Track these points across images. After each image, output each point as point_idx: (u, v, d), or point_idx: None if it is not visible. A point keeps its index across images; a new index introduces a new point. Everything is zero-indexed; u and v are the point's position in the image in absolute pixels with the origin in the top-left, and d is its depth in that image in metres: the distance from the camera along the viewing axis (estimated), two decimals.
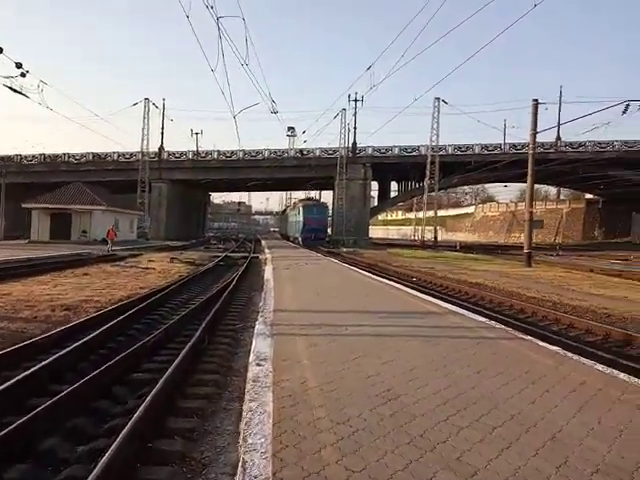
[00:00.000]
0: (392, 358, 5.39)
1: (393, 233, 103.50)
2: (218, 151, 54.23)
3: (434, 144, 51.37)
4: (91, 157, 54.17)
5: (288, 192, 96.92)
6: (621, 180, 49.00)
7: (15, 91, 17.94)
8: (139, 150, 52.17)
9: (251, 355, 5.64)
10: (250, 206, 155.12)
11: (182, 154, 54.49)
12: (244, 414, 3.90)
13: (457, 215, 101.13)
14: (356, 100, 50.27)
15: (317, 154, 53.24)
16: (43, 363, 5.91)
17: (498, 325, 7.40)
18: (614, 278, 19.24)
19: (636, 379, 4.74)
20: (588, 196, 74.48)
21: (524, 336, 6.64)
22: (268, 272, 16.18)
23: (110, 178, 51.67)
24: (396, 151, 53.41)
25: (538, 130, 26.21)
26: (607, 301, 12.47)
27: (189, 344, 6.97)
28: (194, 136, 56.30)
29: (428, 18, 15.50)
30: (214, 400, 5.32)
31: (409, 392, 4.28)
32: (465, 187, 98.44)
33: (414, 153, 53.08)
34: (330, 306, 9.18)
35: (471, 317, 8.14)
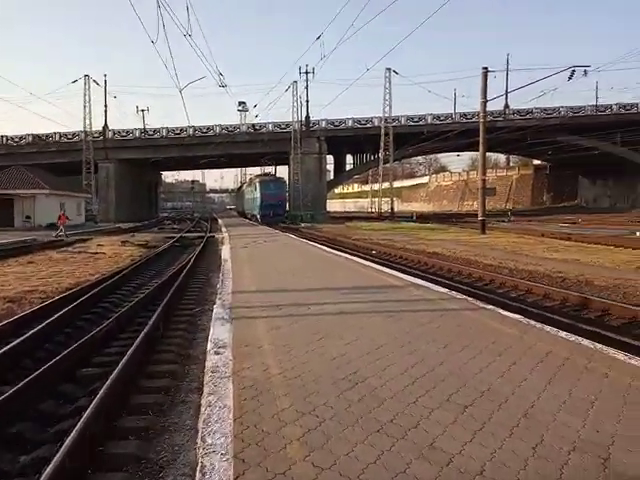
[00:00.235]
0: (356, 337, 5.22)
1: (350, 206, 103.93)
2: (167, 128, 52.25)
3: (387, 115, 51.33)
4: (31, 139, 51.05)
5: (243, 169, 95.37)
6: (567, 145, 50.53)
7: None
8: (82, 130, 49.67)
9: (209, 343, 5.34)
10: (204, 184, 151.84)
11: (128, 132, 52.17)
12: (202, 409, 3.62)
13: (412, 186, 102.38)
14: (307, 72, 49.39)
15: (270, 129, 52.17)
16: None
17: (460, 295, 7.37)
18: (565, 241, 19.84)
19: (600, 345, 4.74)
20: (536, 162, 76.73)
21: (486, 305, 6.62)
22: (225, 252, 15.76)
23: (53, 160, 49.00)
24: (349, 123, 53.01)
25: (488, 98, 26.49)
26: (560, 264, 12.77)
27: (143, 333, 6.59)
28: (140, 113, 54.09)
29: None
30: (171, 393, 5.01)
31: (376, 373, 4.11)
32: (419, 157, 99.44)
33: (368, 125, 52.88)
34: (291, 284, 8.94)
35: (433, 289, 8.09)
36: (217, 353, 4.91)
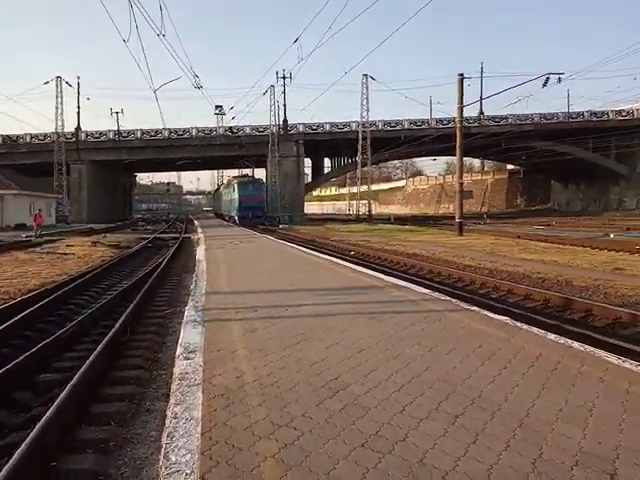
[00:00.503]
0: (337, 340, 4.92)
1: (328, 208, 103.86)
2: (141, 130, 51.17)
3: (364, 120, 51.39)
4: (1, 140, 49.56)
5: (220, 171, 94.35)
6: (540, 151, 51.38)
7: None
8: (54, 131, 48.43)
9: (178, 347, 4.97)
10: (180, 186, 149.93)
11: (102, 134, 50.94)
12: (167, 422, 3.27)
13: (389, 189, 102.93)
14: (284, 77, 49.10)
15: (247, 132, 51.68)
16: None
17: (443, 296, 7.13)
18: (541, 243, 19.92)
19: (591, 348, 4.54)
20: (510, 167, 77.83)
21: (470, 307, 6.39)
22: (200, 253, 15.31)
23: (23, 161, 47.78)
24: (327, 127, 52.90)
25: (464, 104, 26.54)
26: (539, 265, 12.71)
27: (108, 336, 6.18)
28: (114, 115, 52.93)
29: None
30: (135, 401, 4.64)
31: (359, 379, 3.81)
32: (395, 161, 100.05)
33: (345, 129, 52.85)
34: (268, 285, 8.59)
35: (414, 289, 7.85)
36: (187, 358, 4.55)
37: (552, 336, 4.98)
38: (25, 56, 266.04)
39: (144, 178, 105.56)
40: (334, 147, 54.31)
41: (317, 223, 45.18)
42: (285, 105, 51.72)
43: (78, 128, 50.38)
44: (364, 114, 51.44)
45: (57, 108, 48.32)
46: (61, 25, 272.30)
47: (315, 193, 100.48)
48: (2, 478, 3.02)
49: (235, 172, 57.41)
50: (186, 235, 27.07)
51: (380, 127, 52.97)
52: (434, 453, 2.64)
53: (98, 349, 5.62)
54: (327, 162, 62.94)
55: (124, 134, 51.30)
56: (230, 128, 51.18)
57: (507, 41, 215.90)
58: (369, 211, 53.94)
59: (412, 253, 16.31)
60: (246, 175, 47.21)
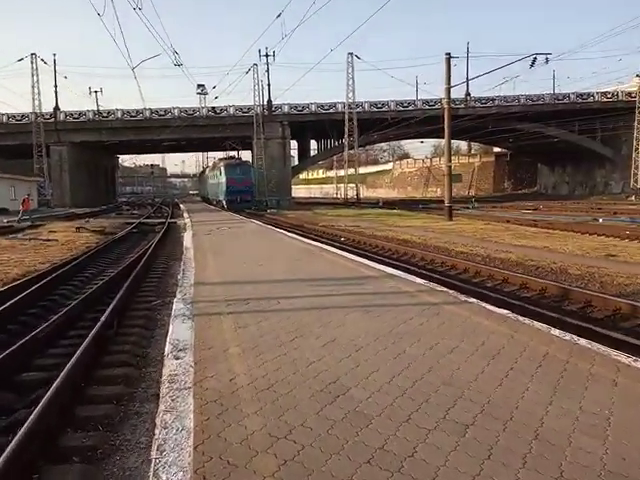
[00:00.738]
0: (333, 337, 4.72)
1: (315, 192, 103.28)
2: (122, 110, 49.83)
3: (350, 101, 50.77)
4: None
5: (204, 153, 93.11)
6: (527, 133, 51.33)
7: None
8: (32, 112, 47.07)
9: (167, 345, 4.73)
10: (165, 169, 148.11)
11: (81, 114, 49.45)
12: (157, 433, 3.05)
13: (376, 172, 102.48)
14: (267, 55, 48.04)
15: (231, 112, 50.63)
16: None
17: (439, 287, 6.96)
18: (531, 228, 19.88)
19: (598, 345, 4.39)
20: (496, 150, 77.89)
21: (468, 298, 6.22)
22: (187, 239, 14.98)
23: (2, 142, 46.32)
24: (313, 108, 52.04)
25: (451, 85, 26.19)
26: (531, 252, 12.62)
27: (94, 330, 5.92)
28: (93, 95, 51.61)
29: None
30: (124, 402, 4.41)
31: (359, 382, 3.62)
32: (382, 144, 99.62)
33: (331, 110, 52.13)
34: (258, 275, 8.35)
35: (409, 279, 7.66)
36: (176, 357, 4.32)
37: (557, 332, 4.82)
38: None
39: (127, 160, 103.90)
40: (320, 129, 53.60)
41: (305, 207, 44.82)
42: (269, 85, 50.71)
43: (56, 108, 49.05)
44: (350, 94, 50.86)
45: (33, 87, 47.05)
46: (39, 3, 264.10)
47: (302, 176, 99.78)
48: None
49: (220, 154, 56.42)
50: (172, 220, 26.61)
51: (366, 108, 52.41)
52: (447, 472, 2.46)
53: (84, 345, 5.37)
54: (314, 144, 62.52)
55: (104, 114, 49.99)
56: (213, 108, 50.11)
57: (494, 21, 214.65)
58: (357, 195, 53.65)
59: (403, 239, 16.15)
60: (233, 157, 45.47)
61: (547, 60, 25.53)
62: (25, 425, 3.60)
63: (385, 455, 2.63)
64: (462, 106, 49.27)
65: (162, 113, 50.20)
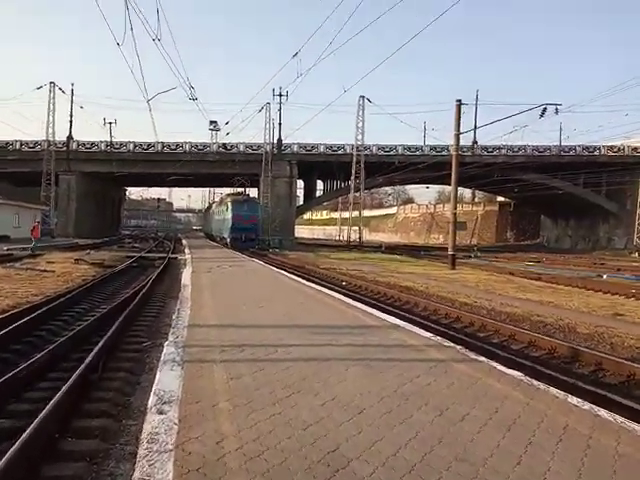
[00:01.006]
0: (333, 395, 4.34)
1: (318, 232, 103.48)
2: (134, 142, 50.42)
3: (359, 143, 51.38)
4: None
5: (211, 189, 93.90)
6: (532, 184, 51.57)
7: None
8: (45, 139, 47.64)
9: (152, 395, 4.35)
10: (171, 203, 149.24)
11: (93, 144, 50.10)
12: None
13: (380, 215, 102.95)
14: (280, 95, 49.08)
15: (241, 149, 51.23)
16: None
17: (446, 342, 6.58)
18: (535, 281, 19.53)
19: (621, 418, 4.00)
20: (500, 199, 78.28)
21: (478, 357, 5.84)
22: (186, 276, 14.66)
23: (13, 169, 46.48)
24: (322, 149, 52.66)
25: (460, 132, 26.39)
26: (537, 307, 12.26)
27: (77, 373, 5.54)
28: (107, 126, 52.35)
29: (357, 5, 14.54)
30: (97, 461, 3.99)
31: (361, 453, 3.23)
32: (387, 188, 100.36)
33: (340, 152, 52.72)
34: (256, 319, 7.99)
35: (414, 331, 7.29)
36: (160, 412, 3.93)
37: (574, 399, 4.44)
38: (19, 60, 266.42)
39: (134, 193, 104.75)
40: (328, 169, 53.93)
41: (307, 248, 44.63)
42: (280, 124, 51.46)
43: (70, 137, 49.65)
44: (359, 137, 51.50)
45: (49, 115, 47.74)
46: (58, 30, 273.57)
47: (306, 216, 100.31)
48: None
49: (228, 190, 56.72)
50: (173, 255, 26.35)
51: (374, 151, 53.00)
52: None
53: (63, 390, 4.98)
54: (320, 185, 62.88)
55: (116, 146, 50.52)
56: (224, 144, 50.69)
57: (504, 71, 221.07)
58: (360, 238, 53.53)
59: (405, 286, 15.79)
60: (241, 193, 44.51)
61: (557, 111, 25.65)
62: None
63: None
64: (469, 154, 49.75)
65: (173, 147, 50.68)
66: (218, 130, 51.78)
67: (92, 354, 6.26)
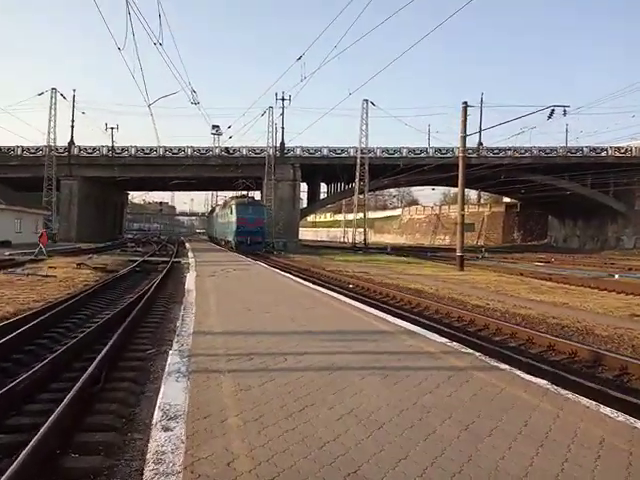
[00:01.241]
0: (349, 408, 4.06)
1: (322, 235, 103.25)
2: (135, 147, 50.27)
3: (363, 146, 51.13)
4: None
5: (214, 192, 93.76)
6: (539, 185, 51.19)
7: None
8: (46, 144, 47.62)
9: (157, 410, 4.08)
10: (174, 207, 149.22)
11: (95, 149, 50.04)
12: None
13: (385, 217, 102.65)
14: (283, 99, 48.96)
15: (244, 153, 51.09)
16: None
17: (463, 348, 6.29)
18: (546, 282, 19.18)
19: None
20: (506, 200, 77.86)
21: (499, 364, 5.55)
22: (190, 280, 14.41)
23: (14, 174, 46.54)
24: (325, 152, 52.43)
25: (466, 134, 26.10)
26: (551, 308, 11.95)
27: (78, 384, 5.29)
28: (109, 131, 52.26)
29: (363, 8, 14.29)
30: (101, 479, 3.74)
31: (385, 475, 2.96)
32: (392, 190, 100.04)
33: (343, 154, 52.50)
34: (263, 325, 7.73)
35: (428, 337, 7.00)
36: (166, 429, 3.67)
37: (607, 410, 4.15)
38: (20, 63, 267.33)
39: (137, 197, 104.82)
40: (331, 172, 53.76)
41: (312, 251, 44.36)
42: (283, 128, 51.29)
43: (71, 142, 49.62)
44: (363, 140, 51.27)
45: (50, 121, 47.71)
46: (59, 35, 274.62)
47: (310, 219, 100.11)
48: None
49: (231, 194, 56.42)
50: (176, 259, 26.13)
51: (379, 154, 52.73)
52: None
53: (64, 403, 4.73)
54: (323, 187, 62.65)
55: (118, 150, 50.38)
56: (227, 149, 50.54)
57: (510, 73, 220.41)
58: (365, 240, 53.22)
59: (415, 289, 15.50)
60: (245, 196, 43.61)
61: (565, 112, 25.41)
62: None
63: None
64: (475, 155, 49.39)
65: (175, 151, 50.55)
66: (220, 134, 51.80)
67: (94, 363, 6.01)
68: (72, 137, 49.85)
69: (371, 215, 79.21)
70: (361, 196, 52.91)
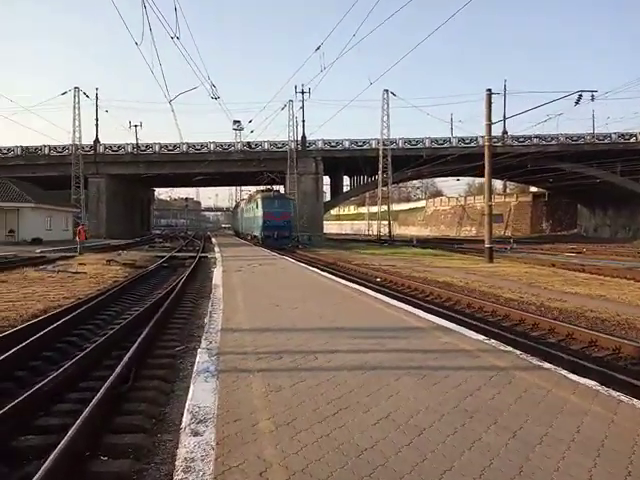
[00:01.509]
0: (386, 411, 3.85)
1: (347, 228, 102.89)
2: (159, 144, 50.88)
3: (385, 137, 50.51)
4: (20, 151, 49.50)
5: (237, 187, 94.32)
6: (567, 173, 49.84)
7: None
8: (72, 143, 48.48)
9: (185, 413, 3.95)
10: (199, 202, 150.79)
11: (120, 147, 50.79)
12: None
13: (409, 209, 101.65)
14: (303, 92, 48.55)
15: (266, 147, 51.12)
16: None
17: (502, 346, 6.00)
18: (580, 273, 18.60)
19: None
20: (533, 189, 76.10)
21: (542, 363, 5.26)
22: (217, 276, 14.37)
23: (42, 173, 47.61)
24: (347, 144, 52.06)
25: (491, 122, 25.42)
26: (587, 301, 11.51)
27: (106, 384, 5.21)
28: (132, 128, 52.89)
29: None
30: None
31: None
32: (415, 181, 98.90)
33: (365, 146, 52.00)
34: (292, 321, 7.57)
35: (463, 333, 6.73)
36: (195, 433, 3.52)
37: None
38: (56, 67, 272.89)
39: (162, 193, 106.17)
40: (353, 165, 53.31)
41: (337, 244, 44.13)
42: (304, 121, 51.04)
43: (96, 141, 50.45)
44: (384, 131, 50.64)
45: (74, 120, 48.52)
46: (78, 36, 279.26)
47: (333, 212, 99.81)
48: None
49: (253, 189, 56.52)
50: (203, 254, 26.25)
51: (400, 145, 52.06)
52: None
53: (93, 403, 4.65)
54: (346, 180, 62.27)
55: (142, 148, 51.02)
56: (248, 143, 50.66)
57: (535, 60, 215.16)
58: (389, 232, 52.70)
59: (444, 282, 15.16)
60: (271, 189, 42.95)
61: (593, 98, 24.59)
62: None
63: None
64: (499, 144, 48.30)
65: (198, 147, 50.96)
66: (242, 129, 51.71)
67: (122, 362, 5.94)
68: (97, 135, 50.73)
69: (395, 207, 78.41)
70: (384, 188, 52.32)
